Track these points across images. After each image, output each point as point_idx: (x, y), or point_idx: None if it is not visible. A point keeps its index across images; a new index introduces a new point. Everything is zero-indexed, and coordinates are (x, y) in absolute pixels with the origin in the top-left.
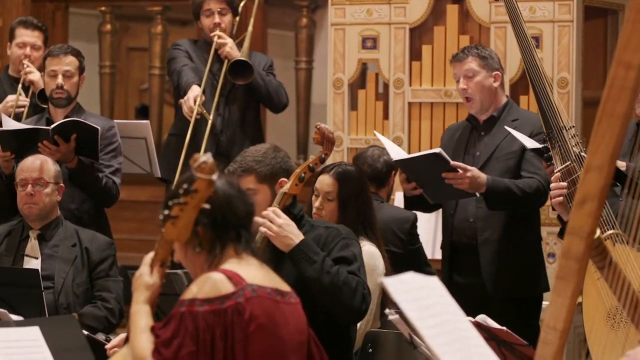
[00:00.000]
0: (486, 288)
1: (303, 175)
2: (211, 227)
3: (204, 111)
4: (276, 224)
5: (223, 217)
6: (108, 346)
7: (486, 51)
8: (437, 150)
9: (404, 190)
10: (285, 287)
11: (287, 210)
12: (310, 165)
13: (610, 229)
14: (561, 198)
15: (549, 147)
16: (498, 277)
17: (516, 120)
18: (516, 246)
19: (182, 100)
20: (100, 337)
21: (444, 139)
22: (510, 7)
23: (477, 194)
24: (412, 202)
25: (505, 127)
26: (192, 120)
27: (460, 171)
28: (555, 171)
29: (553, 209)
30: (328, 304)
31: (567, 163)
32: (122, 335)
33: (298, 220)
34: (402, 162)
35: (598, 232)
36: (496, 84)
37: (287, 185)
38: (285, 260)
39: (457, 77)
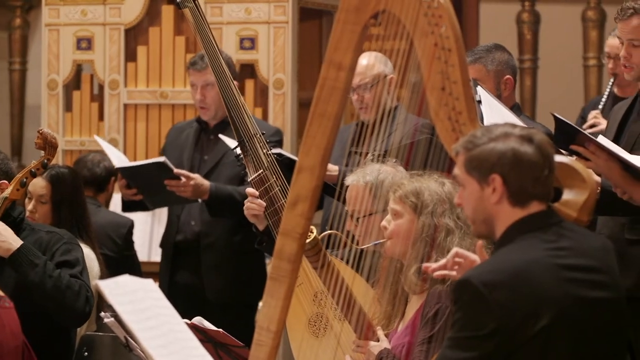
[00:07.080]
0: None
1: (25, 180)
2: None
3: None
4: None
5: None
6: None
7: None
8: (162, 159)
9: (123, 196)
10: None
11: (8, 213)
12: (32, 170)
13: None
14: (256, 212)
15: (243, 156)
16: (218, 284)
17: None
18: (238, 253)
19: None
20: None
21: (169, 138)
22: (195, 16)
23: (199, 200)
24: (130, 205)
25: (220, 135)
26: None
27: (184, 179)
28: (249, 180)
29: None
30: (50, 307)
31: (260, 171)
32: None
33: (18, 224)
34: (124, 170)
35: (315, 232)
36: None
37: (8, 189)
38: (4, 266)
39: (194, 85)
